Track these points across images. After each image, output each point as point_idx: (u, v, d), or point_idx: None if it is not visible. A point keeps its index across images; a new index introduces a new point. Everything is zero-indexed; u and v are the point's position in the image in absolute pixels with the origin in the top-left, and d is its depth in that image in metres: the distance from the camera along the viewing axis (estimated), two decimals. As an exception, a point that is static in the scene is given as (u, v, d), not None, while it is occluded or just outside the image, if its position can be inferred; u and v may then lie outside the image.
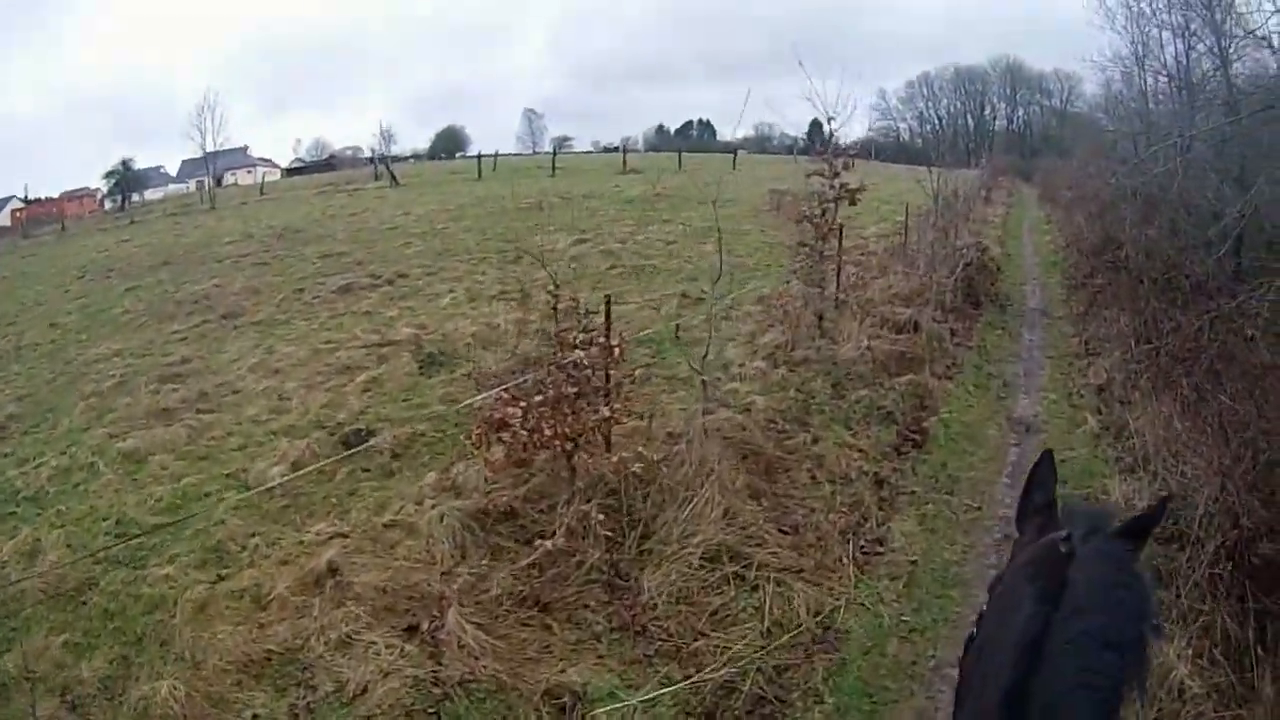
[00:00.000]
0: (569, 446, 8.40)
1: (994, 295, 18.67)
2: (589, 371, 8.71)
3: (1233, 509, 7.83)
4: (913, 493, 9.70)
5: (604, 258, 22.03)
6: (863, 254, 20.26)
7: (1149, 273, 15.81)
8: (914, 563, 8.23)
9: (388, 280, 21.40)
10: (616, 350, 9.00)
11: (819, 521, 8.66)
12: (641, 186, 34.85)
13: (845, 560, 8.09)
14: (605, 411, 8.59)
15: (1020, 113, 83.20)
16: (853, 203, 13.86)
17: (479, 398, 9.76)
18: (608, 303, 9.51)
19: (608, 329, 9.29)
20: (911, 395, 12.12)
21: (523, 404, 8.43)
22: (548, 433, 8.28)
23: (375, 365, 14.30)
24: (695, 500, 8.29)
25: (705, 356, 10.17)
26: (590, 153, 73.55)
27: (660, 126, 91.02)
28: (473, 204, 34.45)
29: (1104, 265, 19.20)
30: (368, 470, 10.08)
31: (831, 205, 13.71)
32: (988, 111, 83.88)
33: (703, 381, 10.06)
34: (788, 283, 15.72)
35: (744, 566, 7.64)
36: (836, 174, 13.61)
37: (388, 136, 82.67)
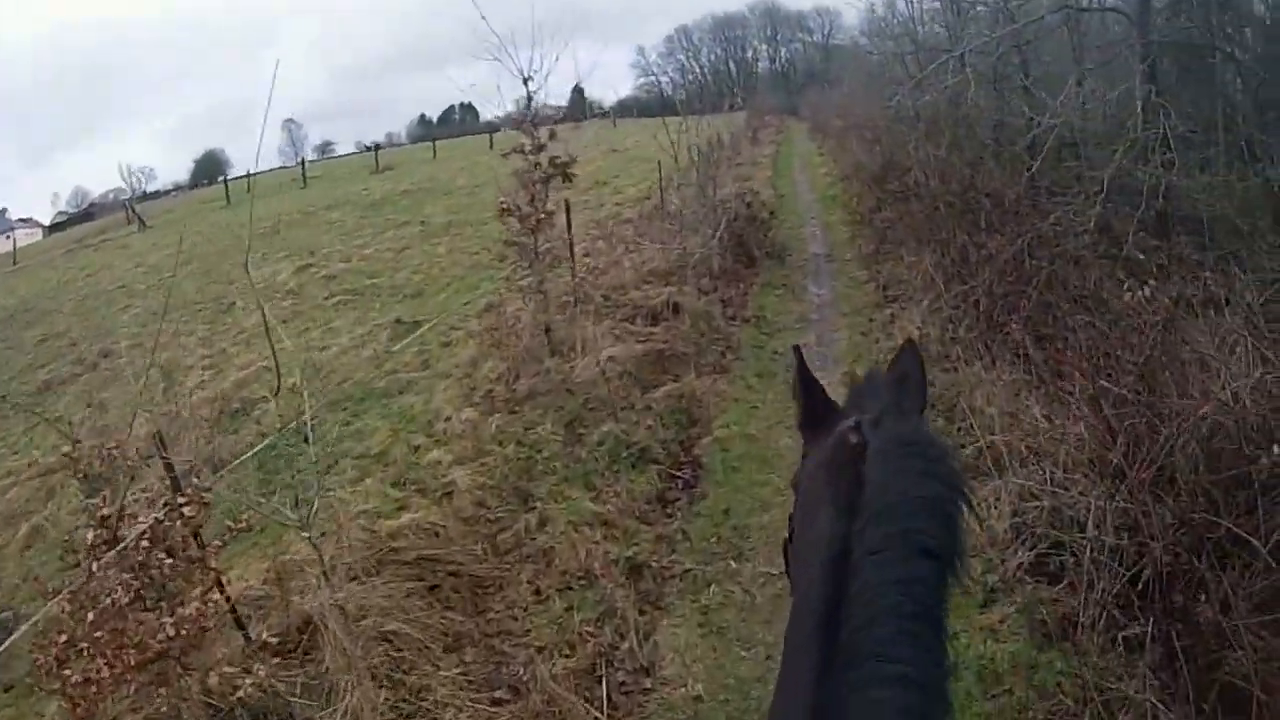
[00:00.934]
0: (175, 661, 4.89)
1: (770, 247, 15.80)
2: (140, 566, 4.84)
3: (1137, 530, 5.22)
4: (686, 572, 6.52)
5: (323, 285, 18.30)
6: (614, 225, 16.92)
7: (944, 198, 13.07)
8: (698, 699, 5.30)
9: (92, 364, 16.59)
10: (185, 513, 5.07)
11: (544, 672, 5.35)
12: (391, 185, 32.25)
13: (596, 720, 5.16)
14: (170, 628, 4.74)
15: (783, 52, 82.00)
16: (566, 178, 10.40)
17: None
18: (160, 443, 5.72)
19: (173, 482, 5.53)
20: (675, 413, 8.88)
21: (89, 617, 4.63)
22: (105, 672, 4.53)
23: (42, 504, 10.17)
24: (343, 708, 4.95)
25: (313, 507, 5.65)
26: (352, 154, 68.03)
27: (422, 116, 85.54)
28: (209, 238, 29.54)
29: (891, 195, 16.41)
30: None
31: (540, 187, 10.14)
32: (750, 55, 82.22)
33: (310, 542, 5.68)
34: (500, 294, 12.21)
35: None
36: (541, 147, 10.07)
37: (135, 174, 76.39)
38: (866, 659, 1.29)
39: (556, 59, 10.72)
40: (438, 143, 54.87)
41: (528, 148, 10.00)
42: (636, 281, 12.19)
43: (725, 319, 11.80)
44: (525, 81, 10.36)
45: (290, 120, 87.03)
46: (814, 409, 1.82)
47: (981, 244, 10.92)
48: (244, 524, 5.85)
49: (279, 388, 6.82)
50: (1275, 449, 4.77)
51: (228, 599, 5.40)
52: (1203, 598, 4.70)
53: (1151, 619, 4.83)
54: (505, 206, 10.04)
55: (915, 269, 12.19)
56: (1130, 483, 5.26)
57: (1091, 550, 5.19)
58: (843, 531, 1.39)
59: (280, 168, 68.17)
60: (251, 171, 47.45)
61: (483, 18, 10.16)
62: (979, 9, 17.02)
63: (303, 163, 47.87)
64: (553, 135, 10.19)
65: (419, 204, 26.82)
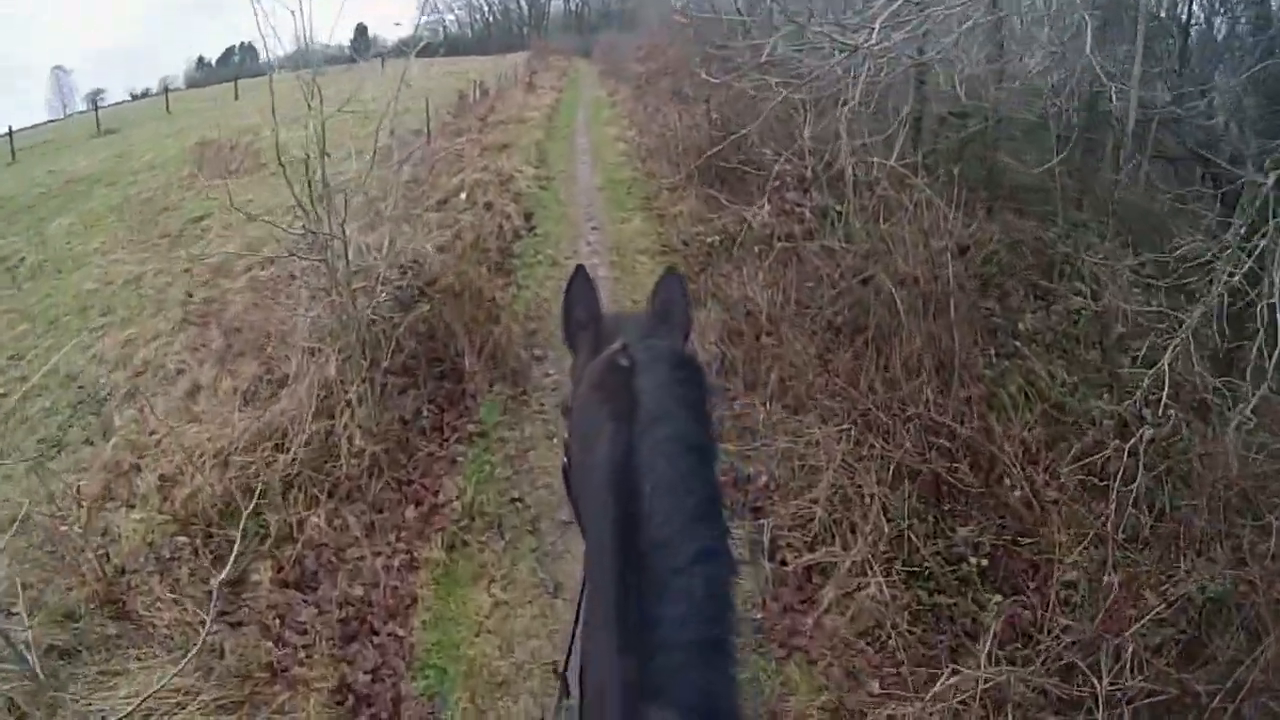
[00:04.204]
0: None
1: (495, 346, 6.58)
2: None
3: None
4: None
5: None
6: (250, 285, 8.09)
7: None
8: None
9: None
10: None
11: None
12: (89, 161, 21.69)
13: None
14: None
15: (579, -11, 71.66)
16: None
17: None
18: None
19: None
20: None
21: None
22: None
23: None
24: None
25: None
26: (123, 103, 53.76)
27: (201, 59, 70.50)
28: None
29: (754, 240, 7.34)
30: None
31: None
32: (543, -9, 71.53)
33: None
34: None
35: None
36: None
37: None
38: (671, 545, 1.18)
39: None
40: (206, 89, 42.86)
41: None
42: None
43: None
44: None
45: (59, 68, 69.48)
46: (583, 325, 1.62)
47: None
48: None
49: None
50: None
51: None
52: None
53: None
54: None
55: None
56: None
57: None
58: (625, 439, 1.26)
59: (47, 122, 52.91)
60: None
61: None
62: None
63: (10, 133, 33.13)
64: None
65: (67, 203, 16.95)
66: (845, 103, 5.07)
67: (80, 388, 7.59)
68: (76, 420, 7.16)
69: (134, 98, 54.48)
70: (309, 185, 5.42)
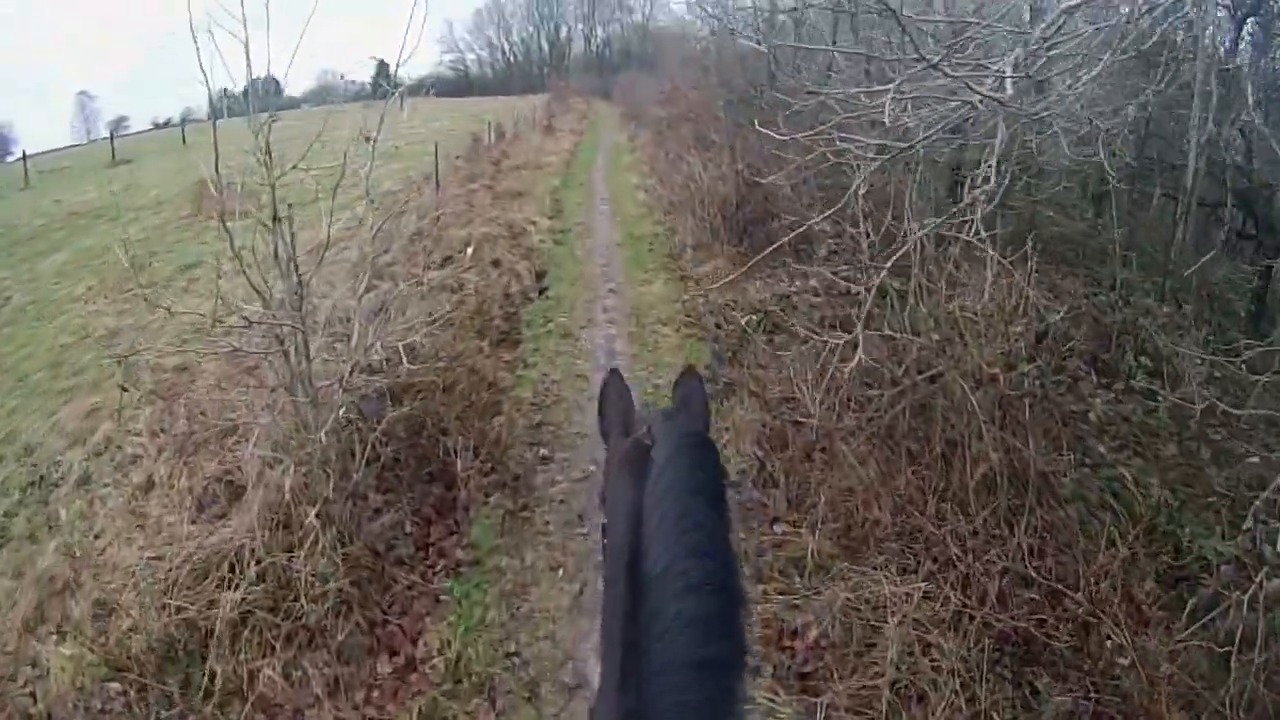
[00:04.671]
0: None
1: (496, 444, 5.66)
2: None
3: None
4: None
5: None
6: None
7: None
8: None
9: None
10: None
11: None
12: (96, 193, 20.56)
13: None
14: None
15: (600, 31, 71.76)
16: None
17: None
18: None
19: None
20: None
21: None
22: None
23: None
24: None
25: None
26: (146, 130, 53.99)
27: (225, 90, 70.54)
28: None
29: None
30: None
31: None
32: (564, 33, 71.54)
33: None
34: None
35: None
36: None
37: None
38: (666, 580, 1.28)
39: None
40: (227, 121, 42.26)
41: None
42: None
43: None
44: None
45: (84, 93, 69.57)
46: (615, 422, 1.71)
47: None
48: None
49: None
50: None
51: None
52: None
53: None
54: None
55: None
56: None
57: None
58: (638, 488, 1.40)
59: (69, 146, 52.73)
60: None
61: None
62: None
63: (24, 156, 32.73)
64: None
65: (67, 238, 16.49)
66: (976, 184, 4.02)
67: (34, 465, 6.79)
68: (25, 506, 6.36)
69: (156, 126, 54.35)
70: (274, 255, 4.64)
